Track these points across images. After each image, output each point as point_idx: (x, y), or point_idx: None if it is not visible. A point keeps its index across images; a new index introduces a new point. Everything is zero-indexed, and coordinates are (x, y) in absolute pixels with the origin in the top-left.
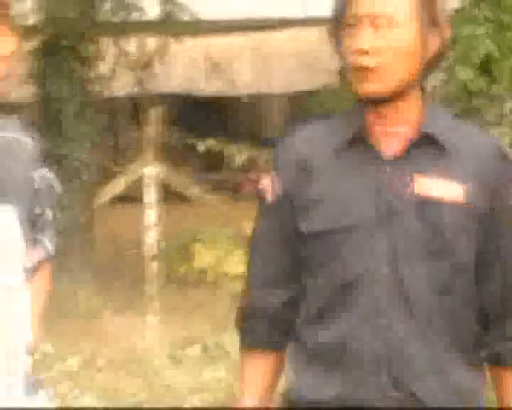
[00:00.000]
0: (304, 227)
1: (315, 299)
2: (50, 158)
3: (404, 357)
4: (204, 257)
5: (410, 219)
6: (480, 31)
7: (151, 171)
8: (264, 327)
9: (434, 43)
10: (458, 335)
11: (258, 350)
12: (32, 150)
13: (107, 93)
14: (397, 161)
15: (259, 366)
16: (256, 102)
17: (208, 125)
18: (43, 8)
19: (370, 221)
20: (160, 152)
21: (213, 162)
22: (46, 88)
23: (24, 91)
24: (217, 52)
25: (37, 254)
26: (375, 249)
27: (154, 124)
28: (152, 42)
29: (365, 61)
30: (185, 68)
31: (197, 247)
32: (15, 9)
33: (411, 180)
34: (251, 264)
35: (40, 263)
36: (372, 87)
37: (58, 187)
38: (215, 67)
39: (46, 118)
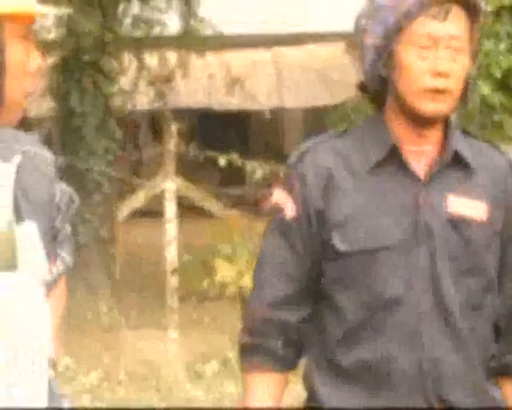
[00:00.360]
0: (341, 245)
1: (351, 317)
2: (72, 172)
3: (448, 373)
4: (224, 271)
5: (446, 237)
6: (501, 46)
7: (172, 185)
8: (279, 345)
9: (472, 63)
10: (488, 350)
11: (269, 369)
12: (52, 165)
13: (128, 107)
14: (431, 180)
15: (271, 386)
16: (276, 117)
17: (229, 139)
18: (65, 22)
19: (409, 240)
20: (180, 166)
21: (234, 177)
22: (68, 102)
23: (45, 106)
24: (237, 67)
25: (57, 267)
26: (415, 268)
27: (174, 138)
28: (173, 56)
29: (442, 83)
30: (206, 83)
31: (217, 261)
32: (37, 24)
33: (444, 199)
34: (263, 280)
35: (59, 277)
36: (441, 108)
37: (76, 201)
38: (235, 82)
39: (68, 132)
